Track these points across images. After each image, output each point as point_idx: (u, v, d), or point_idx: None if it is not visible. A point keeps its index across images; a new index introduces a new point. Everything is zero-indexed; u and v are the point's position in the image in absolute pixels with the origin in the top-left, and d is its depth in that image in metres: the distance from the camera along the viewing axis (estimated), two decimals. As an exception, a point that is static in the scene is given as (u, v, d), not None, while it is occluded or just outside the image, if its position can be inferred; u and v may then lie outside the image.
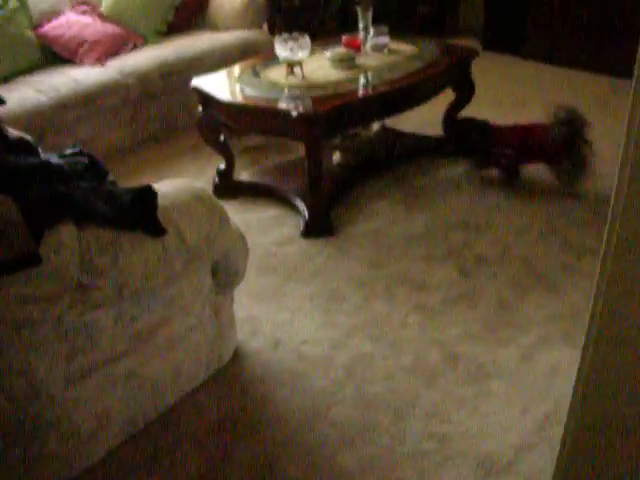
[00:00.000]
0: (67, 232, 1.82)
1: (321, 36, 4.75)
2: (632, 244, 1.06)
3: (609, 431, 1.26)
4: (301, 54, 3.49)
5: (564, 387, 2.39)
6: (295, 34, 3.49)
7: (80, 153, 2.41)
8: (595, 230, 3.30)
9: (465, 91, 4.08)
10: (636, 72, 0.94)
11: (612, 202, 1.08)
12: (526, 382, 2.44)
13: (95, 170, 2.32)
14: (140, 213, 1.96)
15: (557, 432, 2.17)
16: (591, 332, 1.19)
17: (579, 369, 1.25)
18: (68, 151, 2.43)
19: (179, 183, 2.22)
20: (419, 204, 3.62)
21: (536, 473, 2.08)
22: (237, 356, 2.60)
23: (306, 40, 3.48)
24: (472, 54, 3.98)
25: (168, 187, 2.15)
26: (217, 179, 3.82)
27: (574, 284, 2.95)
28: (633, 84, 0.94)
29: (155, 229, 1.97)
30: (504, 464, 2.12)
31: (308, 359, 2.59)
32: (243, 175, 3.89)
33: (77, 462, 2.09)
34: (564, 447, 1.36)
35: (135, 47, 4.67)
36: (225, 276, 2.39)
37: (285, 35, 3.49)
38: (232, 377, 2.51)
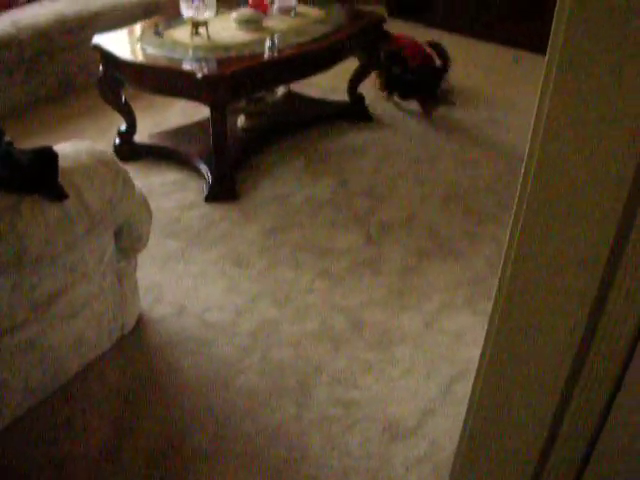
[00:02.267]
0: (-40, 195, 1.73)
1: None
2: (541, 207, 1.09)
3: (512, 389, 1.31)
4: (207, 14, 3.42)
5: (467, 352, 2.46)
6: (201, -8, 3.41)
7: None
8: (495, 197, 3.40)
9: (372, 57, 4.10)
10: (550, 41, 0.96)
11: (523, 168, 1.10)
12: (430, 348, 2.50)
13: (-11, 130, 2.22)
14: (40, 175, 1.89)
15: (460, 396, 2.25)
16: (500, 292, 1.22)
17: (488, 330, 1.29)
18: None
19: (80, 145, 2.14)
20: (324, 170, 3.63)
21: (441, 435, 2.14)
22: (141, 324, 2.55)
23: (212, -1, 3.42)
24: (381, 20, 3.99)
25: (69, 149, 2.08)
26: (118, 141, 3.71)
27: (475, 251, 3.03)
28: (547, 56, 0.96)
29: (56, 192, 1.90)
30: (410, 427, 2.17)
31: (213, 326, 2.57)
32: (145, 137, 3.80)
33: (-28, 435, 2.02)
34: (471, 408, 1.40)
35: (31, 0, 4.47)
36: (128, 242, 2.34)
37: (190, -7, 3.42)
38: (136, 345, 2.47)
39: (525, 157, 1.06)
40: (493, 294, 1.23)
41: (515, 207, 1.13)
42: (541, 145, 1.03)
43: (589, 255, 1.04)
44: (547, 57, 0.96)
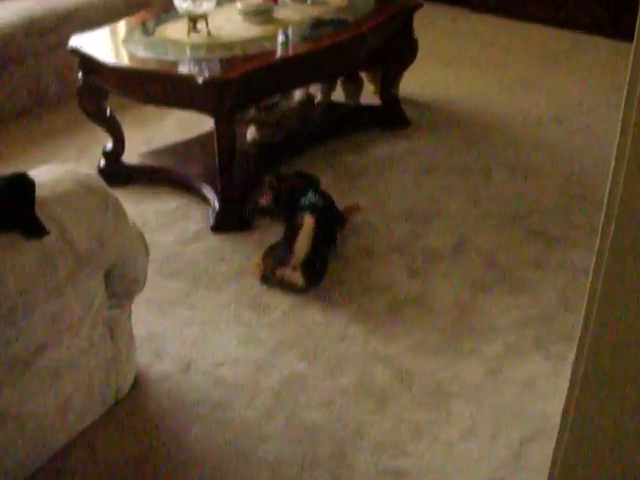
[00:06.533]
0: None
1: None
2: (633, 236, 1.07)
3: (606, 450, 1.28)
4: (206, 5, 3.44)
5: (540, 405, 2.43)
6: (198, -20, 3.45)
7: None
8: (565, 215, 3.39)
9: (406, 50, 4.11)
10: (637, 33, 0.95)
11: (608, 188, 1.09)
12: (495, 402, 2.47)
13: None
14: (13, 208, 1.90)
15: (536, 461, 2.22)
16: (585, 337, 1.21)
17: (571, 382, 1.27)
18: None
19: (60, 169, 2.16)
20: (355, 188, 3.63)
21: (513, 512, 2.12)
22: (139, 384, 2.54)
23: (212, -12, 3.46)
24: (415, 5, 4.01)
25: (47, 174, 2.09)
26: (103, 162, 3.74)
27: (544, 281, 3.01)
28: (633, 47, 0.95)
29: (33, 228, 1.91)
30: (474, 503, 2.15)
31: (227, 384, 2.56)
32: (135, 157, 3.83)
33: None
34: (553, 476, 1.38)
35: (-8, -2, 4.54)
36: (121, 285, 2.34)
37: (185, -18, 3.45)
38: (134, 411, 2.46)
39: (612, 162, 1.05)
40: (570, 332, 1.22)
41: (602, 222, 1.11)
42: (633, 148, 1.01)
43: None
44: (635, 44, 0.95)
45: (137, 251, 2.37)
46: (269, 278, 3.03)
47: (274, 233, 3.28)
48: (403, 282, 3.03)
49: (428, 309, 2.89)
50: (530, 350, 2.67)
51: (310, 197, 3.21)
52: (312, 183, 3.39)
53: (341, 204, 3.36)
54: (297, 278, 2.98)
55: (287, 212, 3.25)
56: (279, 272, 2.99)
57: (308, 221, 3.06)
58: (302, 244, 3.00)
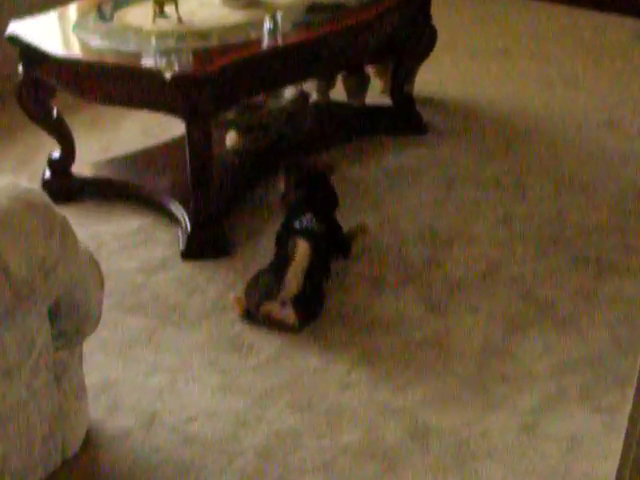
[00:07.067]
0: None
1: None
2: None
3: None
4: (175, -16, 3.47)
5: (587, 466, 2.42)
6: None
7: None
8: (620, 237, 3.40)
9: (423, 39, 4.15)
10: None
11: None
12: (531, 463, 2.47)
13: None
14: None
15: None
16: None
17: (627, 440, 1.27)
18: None
19: (-4, 183, 2.17)
20: (360, 204, 3.66)
21: None
22: (91, 442, 2.54)
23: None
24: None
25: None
26: (49, 174, 3.76)
27: (593, 316, 3.02)
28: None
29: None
30: None
31: (200, 442, 2.56)
32: (88, 167, 3.85)
33: None
34: None
35: None
36: (70, 322, 2.35)
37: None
38: (84, 474, 2.45)
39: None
40: (623, 379, 1.22)
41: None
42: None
43: None
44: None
45: (89, 282, 2.37)
46: (253, 314, 3.04)
47: (259, 260, 3.29)
48: (419, 318, 3.03)
49: (449, 351, 2.89)
50: (574, 401, 2.67)
51: (307, 220, 3.23)
52: (328, 204, 3.43)
53: (344, 225, 3.39)
54: (288, 315, 2.98)
55: (278, 233, 3.27)
56: (266, 307, 3.00)
57: (302, 248, 3.07)
58: (294, 275, 3.01)
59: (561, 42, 5.19)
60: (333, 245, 3.29)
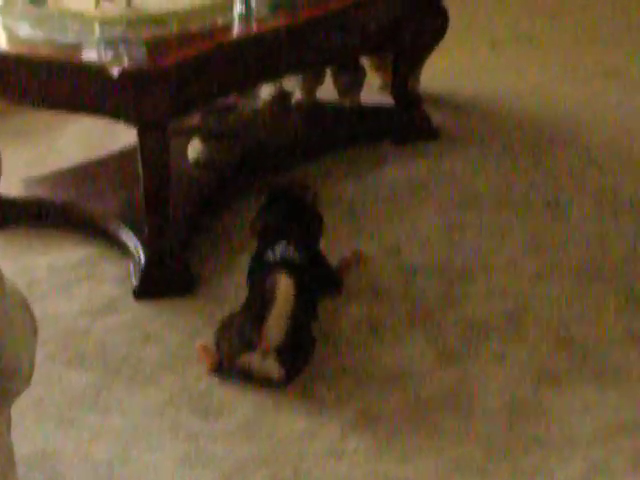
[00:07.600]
0: None
1: None
2: None
3: None
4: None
5: None
6: None
7: None
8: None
9: (431, 26, 4.17)
10: None
11: None
12: None
13: None
14: None
15: None
16: None
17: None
18: None
19: None
20: (355, 229, 3.67)
21: None
22: (23, 529, 2.55)
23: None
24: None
25: None
26: (-33, 194, 3.77)
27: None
28: None
29: None
30: None
31: (160, 529, 2.57)
32: (16, 186, 3.86)
33: None
34: None
35: None
36: (-5, 379, 2.35)
37: None
38: None
39: None
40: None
41: None
42: None
43: None
44: None
45: (18, 329, 2.37)
46: (227, 368, 3.03)
47: (230, 299, 3.30)
48: (430, 370, 3.04)
49: (468, 410, 2.89)
50: (623, 469, 2.67)
51: (283, 249, 3.23)
52: (309, 230, 3.41)
53: (335, 257, 3.40)
54: (271, 367, 2.97)
55: (250, 267, 3.27)
56: (244, 359, 2.99)
57: (284, 285, 3.05)
58: (277, 319, 2.98)
59: (599, 27, 5.21)
60: (318, 279, 3.29)
